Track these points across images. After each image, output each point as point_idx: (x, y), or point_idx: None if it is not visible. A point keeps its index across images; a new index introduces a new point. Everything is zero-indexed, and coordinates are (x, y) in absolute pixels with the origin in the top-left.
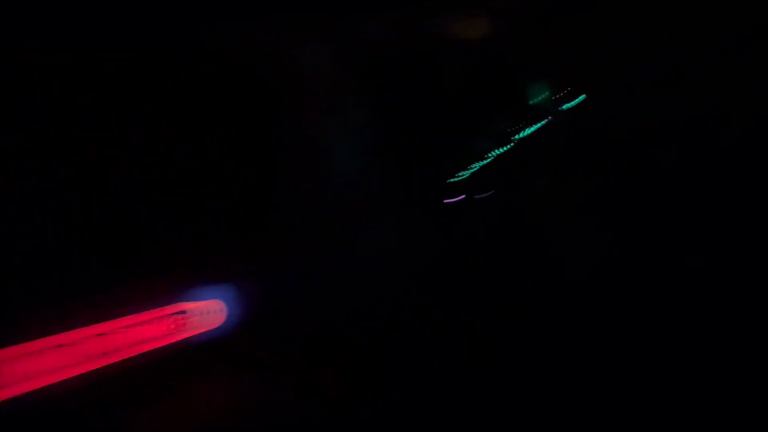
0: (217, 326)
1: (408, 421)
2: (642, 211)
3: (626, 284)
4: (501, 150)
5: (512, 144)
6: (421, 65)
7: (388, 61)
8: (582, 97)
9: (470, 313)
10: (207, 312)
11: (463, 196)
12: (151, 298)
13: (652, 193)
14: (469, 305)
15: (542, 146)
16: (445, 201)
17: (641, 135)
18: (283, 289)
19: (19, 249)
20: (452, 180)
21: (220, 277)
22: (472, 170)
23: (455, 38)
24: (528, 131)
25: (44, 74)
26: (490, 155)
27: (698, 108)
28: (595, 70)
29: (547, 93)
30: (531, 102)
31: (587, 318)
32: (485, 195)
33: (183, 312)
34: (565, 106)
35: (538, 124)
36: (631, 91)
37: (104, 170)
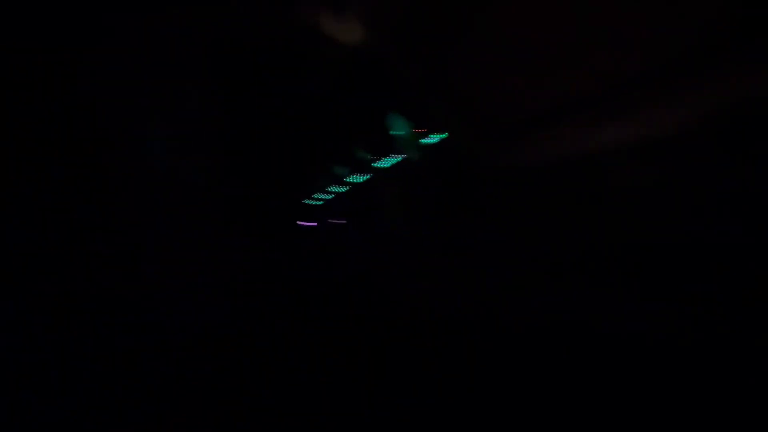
0: None
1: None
2: (497, 252)
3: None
4: (358, 178)
5: (371, 173)
6: (283, 76)
7: (246, 66)
8: (444, 134)
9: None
10: None
11: (315, 222)
12: None
13: (508, 233)
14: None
15: (401, 180)
16: (298, 223)
17: (501, 176)
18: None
19: None
20: (306, 202)
21: None
22: (327, 194)
23: (322, 55)
24: (388, 162)
25: None
26: (347, 181)
27: (569, 149)
28: (460, 108)
29: (409, 126)
30: (393, 133)
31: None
32: (338, 222)
33: None
34: (426, 141)
35: (399, 157)
36: (494, 132)
37: None
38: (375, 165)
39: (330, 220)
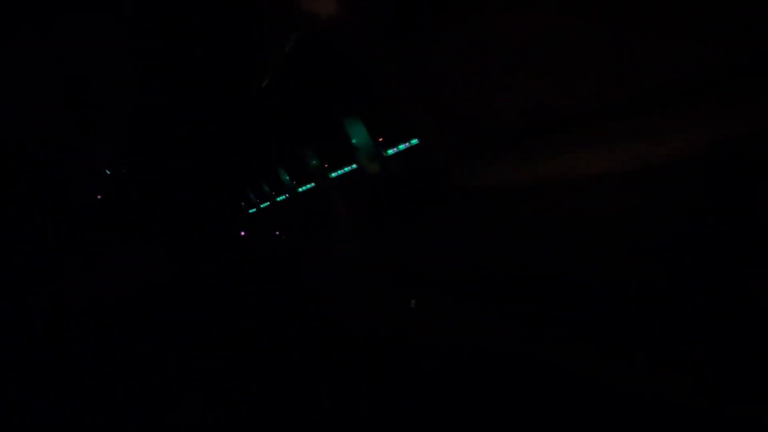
0: None
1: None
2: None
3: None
4: (308, 186)
5: (322, 182)
6: (231, 67)
7: (190, 54)
8: (414, 141)
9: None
10: None
11: (252, 232)
12: None
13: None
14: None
15: (356, 192)
16: (238, 233)
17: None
18: None
19: None
20: (249, 209)
21: None
22: (271, 202)
23: (275, 40)
24: (341, 172)
25: None
26: (295, 190)
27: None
28: (436, 116)
29: (368, 134)
30: (352, 141)
31: None
32: (279, 235)
33: None
34: (390, 152)
35: (353, 166)
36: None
37: None
38: (330, 174)
39: (276, 231)
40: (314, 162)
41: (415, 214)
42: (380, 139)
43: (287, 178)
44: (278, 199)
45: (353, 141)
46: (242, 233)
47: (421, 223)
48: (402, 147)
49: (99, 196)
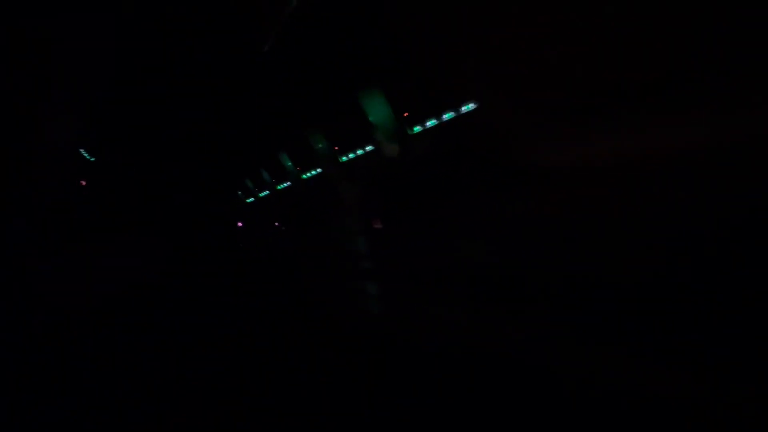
0: None
1: (408, 421)
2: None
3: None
4: (313, 172)
5: (330, 166)
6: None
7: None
8: (448, 115)
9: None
10: None
11: (250, 223)
12: None
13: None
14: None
15: (371, 178)
16: (236, 224)
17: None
18: None
19: None
20: (247, 199)
21: None
22: (271, 190)
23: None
24: (354, 155)
25: None
26: (297, 176)
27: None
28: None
29: (391, 108)
30: (370, 118)
31: None
32: (278, 226)
33: None
34: (416, 129)
35: (369, 148)
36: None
37: None
38: (341, 158)
39: (276, 222)
40: (321, 144)
41: (440, 202)
42: (405, 114)
43: (290, 163)
44: (279, 187)
45: (371, 118)
46: (239, 224)
47: (445, 213)
48: (431, 123)
49: (83, 182)
